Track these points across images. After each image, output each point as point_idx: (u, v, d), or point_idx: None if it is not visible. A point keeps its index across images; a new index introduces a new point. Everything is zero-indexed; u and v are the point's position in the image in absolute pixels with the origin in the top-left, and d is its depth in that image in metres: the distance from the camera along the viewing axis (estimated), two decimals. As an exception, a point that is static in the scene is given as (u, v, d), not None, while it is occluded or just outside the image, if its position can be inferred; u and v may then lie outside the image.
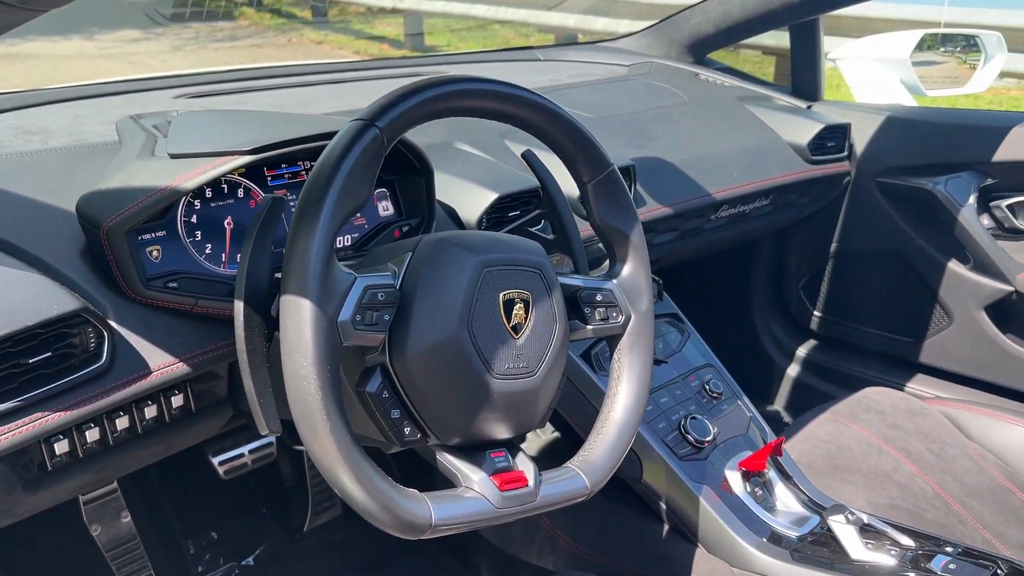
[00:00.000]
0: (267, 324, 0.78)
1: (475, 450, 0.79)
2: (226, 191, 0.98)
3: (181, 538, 1.50)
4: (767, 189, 1.64)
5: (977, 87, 1.99)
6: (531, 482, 0.79)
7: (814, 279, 1.95)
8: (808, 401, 1.95)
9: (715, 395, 1.23)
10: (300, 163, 1.04)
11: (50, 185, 0.97)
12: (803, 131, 1.72)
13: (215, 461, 1.34)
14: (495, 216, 1.18)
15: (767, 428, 1.25)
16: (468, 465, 0.78)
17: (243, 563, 1.51)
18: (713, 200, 1.54)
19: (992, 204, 1.68)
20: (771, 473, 1.16)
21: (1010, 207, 1.67)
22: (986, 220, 1.69)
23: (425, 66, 1.86)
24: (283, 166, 1.03)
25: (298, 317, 0.68)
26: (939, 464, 1.44)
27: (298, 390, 0.68)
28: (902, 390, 1.81)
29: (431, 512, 0.73)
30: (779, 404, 2.02)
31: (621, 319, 0.90)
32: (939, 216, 1.70)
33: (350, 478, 0.69)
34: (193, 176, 0.88)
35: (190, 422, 0.97)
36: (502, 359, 0.78)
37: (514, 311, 0.79)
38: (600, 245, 1.22)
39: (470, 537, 1.43)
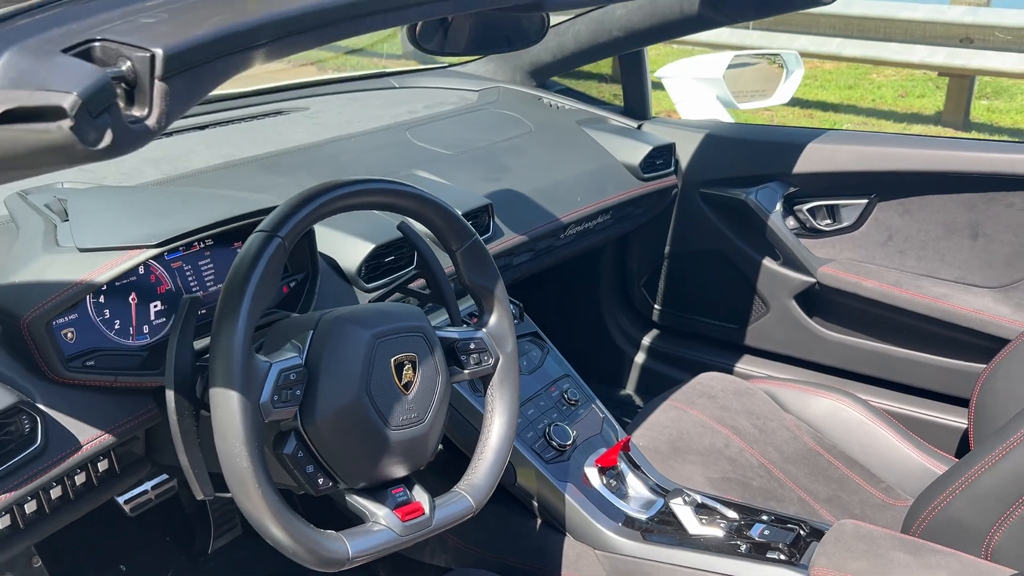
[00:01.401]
0: (194, 405, 0.91)
1: (378, 489, 0.96)
2: (128, 270, 1.08)
3: (90, 575, 1.58)
4: (607, 207, 1.86)
5: (780, 99, 2.28)
6: (427, 510, 0.96)
7: (653, 277, 2.20)
8: (654, 383, 2.22)
9: (572, 402, 1.44)
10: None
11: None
12: (635, 152, 1.95)
13: (121, 500, 1.43)
14: (372, 263, 1.33)
15: (617, 426, 1.47)
16: (374, 503, 0.94)
17: (152, 591, 1.61)
18: (562, 223, 1.74)
19: (795, 208, 1.97)
20: (622, 465, 1.39)
21: (810, 211, 1.96)
22: (791, 222, 1.98)
23: (288, 100, 1.96)
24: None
25: (227, 406, 0.82)
26: (762, 437, 1.71)
27: (232, 465, 0.82)
28: (731, 370, 2.10)
29: (347, 548, 0.88)
30: (630, 388, 2.27)
31: (492, 361, 1.08)
32: (752, 221, 1.98)
33: (280, 531, 0.83)
34: (104, 270, 0.99)
35: (114, 482, 1.08)
36: (397, 413, 0.94)
37: (404, 372, 0.96)
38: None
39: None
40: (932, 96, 6.20)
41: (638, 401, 2.24)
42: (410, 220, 1.16)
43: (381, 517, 0.92)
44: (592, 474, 1.36)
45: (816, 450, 1.73)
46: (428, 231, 1.20)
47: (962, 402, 1.81)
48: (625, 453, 1.39)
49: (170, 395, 0.88)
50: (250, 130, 1.75)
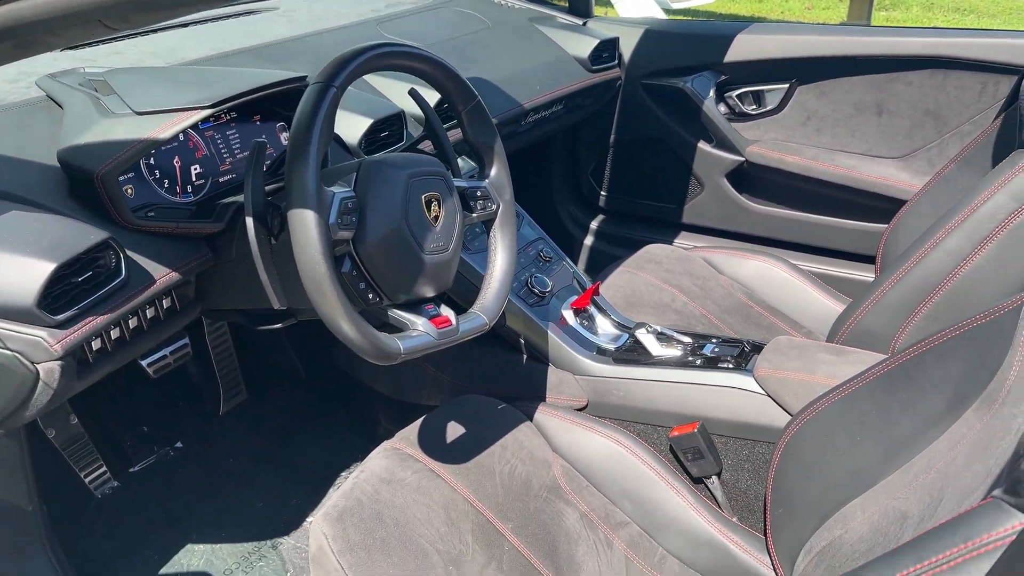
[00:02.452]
0: (267, 233, 1.08)
1: (415, 305, 1.16)
2: (187, 127, 1.23)
3: (119, 433, 1.75)
4: (561, 96, 2.06)
5: (708, -1, 2.49)
6: (454, 322, 1.17)
7: (599, 165, 2.43)
8: (602, 264, 2.45)
9: (547, 259, 1.66)
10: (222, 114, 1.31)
11: (5, 143, 1.18)
12: (583, 46, 2.14)
13: (144, 363, 1.60)
14: (371, 136, 1.51)
15: (586, 279, 1.71)
16: (413, 315, 1.14)
17: (175, 446, 1.79)
18: (523, 109, 1.93)
19: (726, 95, 2.21)
20: (592, 309, 1.62)
21: (739, 96, 2.20)
22: (722, 108, 2.21)
23: (255, 1, 2.07)
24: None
25: (305, 224, 1.00)
26: (702, 294, 1.97)
27: (312, 272, 1.00)
28: (671, 244, 2.35)
29: (399, 345, 1.09)
30: (580, 269, 2.50)
31: (494, 207, 1.28)
32: (688, 107, 2.20)
33: (351, 327, 1.03)
34: (167, 128, 1.14)
35: (173, 319, 1.25)
36: (429, 241, 1.14)
37: (432, 207, 1.15)
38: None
39: (368, 395, 1.80)
40: (836, 8, 6.52)
41: (588, 281, 2.48)
42: (418, 88, 1.33)
43: (420, 324, 1.13)
44: (568, 315, 1.59)
45: (747, 304, 2.00)
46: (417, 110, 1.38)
47: (869, 259, 2.10)
48: (595, 299, 1.62)
49: (250, 222, 1.06)
50: (229, 28, 1.87)
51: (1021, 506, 0.63)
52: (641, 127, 2.31)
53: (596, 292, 1.62)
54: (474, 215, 1.26)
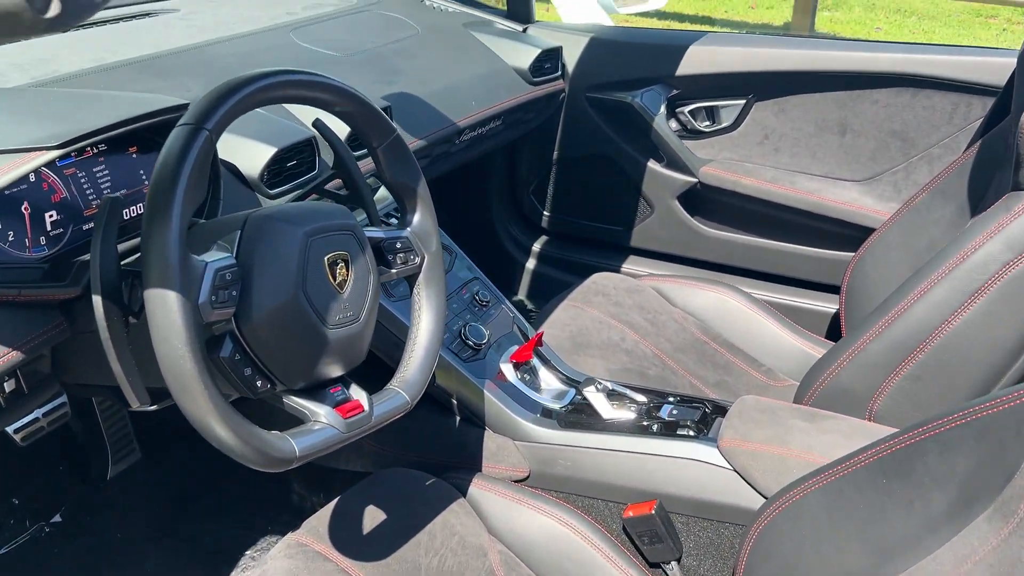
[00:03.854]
0: (122, 311, 0.86)
1: (316, 389, 0.95)
2: (24, 175, 1.00)
3: (-19, 511, 1.50)
4: (500, 112, 1.86)
5: (657, 4, 2.32)
6: (366, 407, 0.97)
7: (541, 184, 2.24)
8: (545, 289, 2.27)
9: (483, 303, 1.46)
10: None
11: None
12: (523, 56, 1.94)
13: (10, 430, 1.36)
14: (275, 168, 1.29)
15: (528, 325, 1.51)
16: (314, 403, 0.93)
17: (51, 521, 1.54)
18: (457, 127, 1.73)
19: (677, 111, 2.03)
20: (535, 360, 1.43)
21: (691, 112, 2.03)
22: (673, 124, 2.04)
23: (153, 1, 1.83)
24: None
25: (166, 307, 0.78)
26: (653, 330, 1.80)
27: (175, 368, 0.79)
28: (619, 270, 2.18)
29: (294, 446, 0.88)
30: (522, 294, 2.32)
31: (418, 260, 1.08)
32: (637, 124, 2.03)
33: (228, 432, 0.82)
34: (2, 174, 0.91)
35: (22, 403, 1.02)
36: (333, 312, 0.93)
37: (337, 270, 0.94)
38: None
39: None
40: (780, 7, 6.45)
41: (530, 306, 2.29)
42: (323, 117, 1.12)
43: (322, 415, 0.92)
44: (507, 370, 1.39)
45: (702, 339, 1.83)
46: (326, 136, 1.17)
47: (833, 289, 1.96)
48: (537, 349, 1.43)
49: (97, 301, 0.84)
50: (118, 33, 1.62)
51: None
52: (586, 143, 2.13)
53: (539, 342, 1.42)
54: (393, 271, 1.06)
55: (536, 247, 2.30)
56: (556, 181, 2.21)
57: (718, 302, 1.87)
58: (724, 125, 2.01)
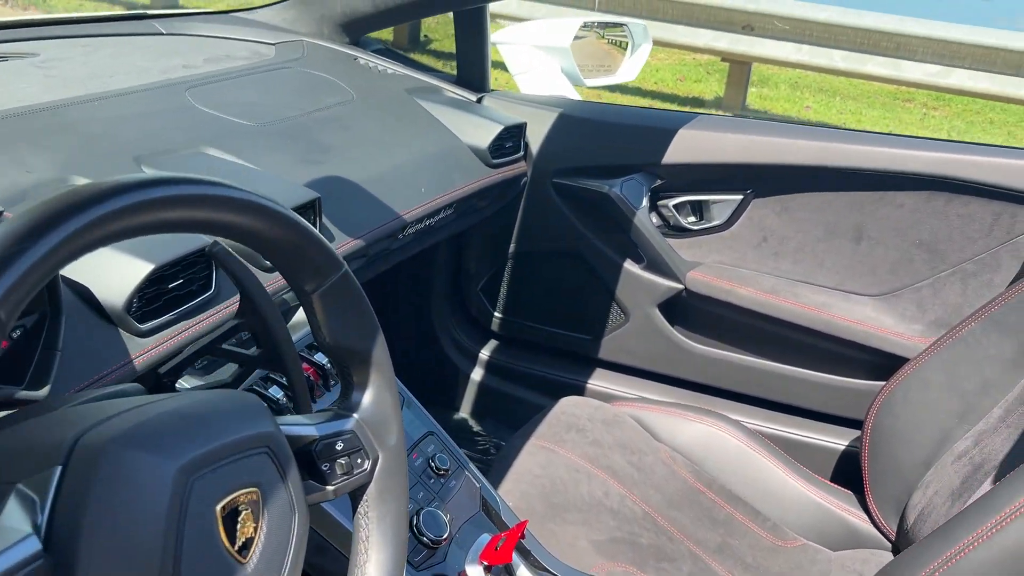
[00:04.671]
0: None
1: None
2: None
3: None
4: (452, 201, 1.49)
5: (627, 76, 2.02)
6: None
7: (493, 280, 1.87)
8: (494, 405, 1.89)
9: (442, 472, 1.07)
10: None
11: None
12: (482, 132, 1.59)
13: None
14: (150, 291, 0.88)
15: (499, 498, 1.12)
16: None
17: None
18: (402, 221, 1.35)
19: (660, 204, 1.71)
20: (516, 559, 1.04)
21: (676, 207, 1.70)
22: (655, 219, 1.71)
23: (7, 42, 1.40)
24: None
25: None
26: (640, 477, 1.45)
27: None
28: (583, 389, 1.82)
29: None
30: (465, 411, 1.93)
31: (368, 464, 0.69)
32: (614, 217, 1.69)
33: None
34: None
35: None
36: None
37: (239, 525, 0.54)
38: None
39: None
40: (707, 81, 6.36)
41: (475, 426, 1.90)
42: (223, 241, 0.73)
43: None
44: (475, 574, 1.00)
45: (696, 487, 1.49)
46: (240, 253, 0.79)
47: (842, 422, 1.64)
48: (522, 541, 1.04)
49: None
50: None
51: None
52: (550, 237, 1.78)
53: (522, 534, 1.03)
54: (330, 489, 0.66)
55: (484, 354, 1.92)
56: (511, 278, 1.85)
57: (709, 436, 1.54)
58: (716, 223, 1.70)
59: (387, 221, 1.30)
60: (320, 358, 1.07)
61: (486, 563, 1.00)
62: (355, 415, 0.69)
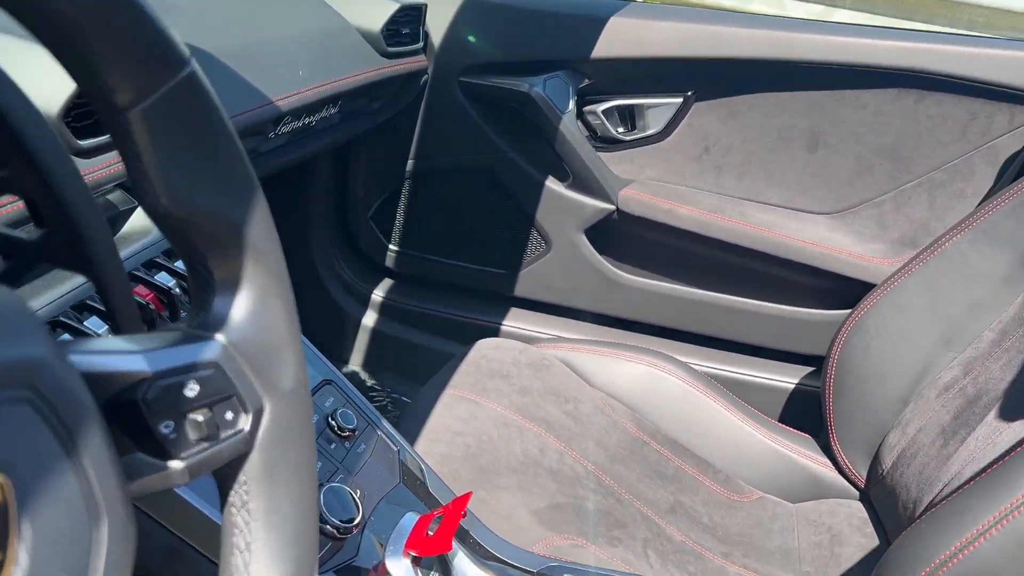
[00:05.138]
0: None
1: None
2: None
3: None
4: (337, 94, 1.18)
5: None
6: None
7: (387, 205, 1.56)
8: (392, 355, 1.60)
9: (347, 434, 0.77)
10: None
11: None
12: (375, 12, 1.28)
13: None
14: None
15: (424, 464, 0.84)
16: None
17: None
18: (275, 111, 1.03)
19: (586, 110, 1.45)
20: (456, 548, 0.76)
21: (605, 113, 1.45)
22: (581, 128, 1.45)
23: None
24: None
25: None
26: (579, 430, 1.21)
27: None
28: (497, 331, 1.56)
29: None
30: (356, 362, 1.63)
31: (245, 422, 0.39)
32: (534, 123, 1.42)
33: None
34: None
35: None
36: None
37: None
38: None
39: None
40: None
41: (368, 380, 1.61)
42: None
43: None
44: (401, 571, 0.71)
45: (639, 438, 1.27)
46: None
47: (801, 359, 1.45)
48: (464, 524, 0.76)
49: None
50: None
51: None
52: (456, 150, 1.49)
53: (463, 512, 0.75)
54: (176, 466, 0.36)
55: (377, 295, 1.62)
56: (410, 202, 1.55)
57: (650, 379, 1.32)
58: (651, 132, 1.45)
59: (255, 107, 0.98)
60: (165, 279, 0.75)
61: (414, 553, 0.71)
62: (220, 336, 0.39)
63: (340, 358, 1.61)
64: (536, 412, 1.19)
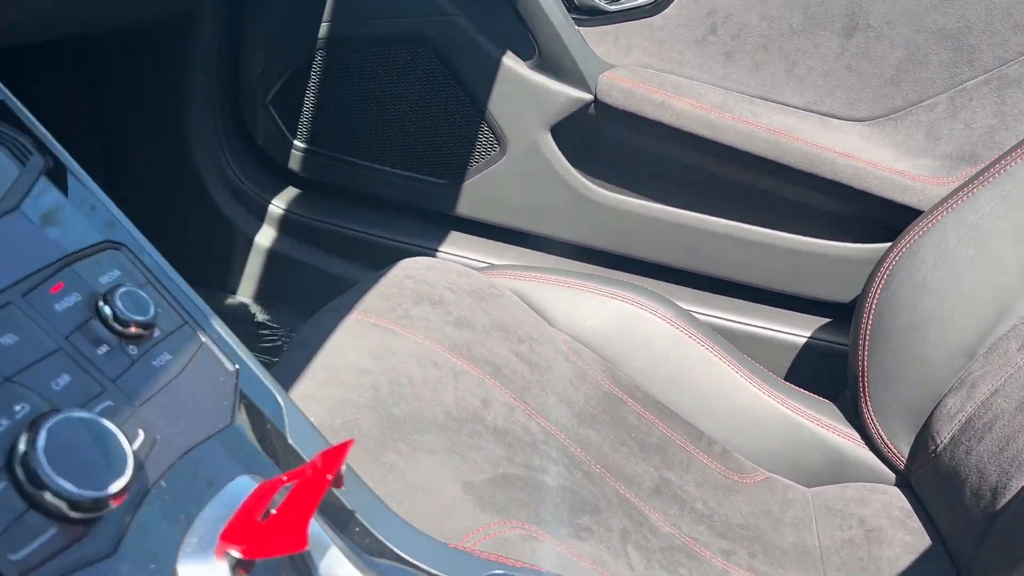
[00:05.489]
0: None
1: None
2: None
3: None
4: None
5: None
6: None
7: (292, 87, 1.22)
8: (292, 284, 1.28)
9: (133, 330, 0.41)
10: None
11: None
12: None
13: None
14: None
15: (283, 397, 0.48)
16: None
17: None
18: None
19: (558, -32, 1.12)
20: (320, 524, 0.41)
21: (583, -27, 1.12)
22: (552, -7, 1.12)
23: None
24: None
25: None
26: (535, 378, 0.89)
27: None
28: (434, 254, 1.23)
29: None
30: (245, 293, 1.29)
31: None
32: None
33: None
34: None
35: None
36: None
37: None
38: None
39: None
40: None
41: (260, 315, 1.26)
42: None
43: None
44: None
45: (614, 394, 0.98)
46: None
47: (823, 307, 1.16)
48: (336, 492, 0.41)
49: None
50: None
51: None
52: (384, 11, 1.15)
53: (337, 480, 0.39)
54: None
55: (276, 205, 1.28)
56: (321, 84, 1.21)
57: (630, 321, 1.04)
58: (642, 2, 1.13)
59: None
60: None
61: (236, 552, 0.36)
62: None
63: (225, 287, 1.26)
64: (478, 351, 0.86)
